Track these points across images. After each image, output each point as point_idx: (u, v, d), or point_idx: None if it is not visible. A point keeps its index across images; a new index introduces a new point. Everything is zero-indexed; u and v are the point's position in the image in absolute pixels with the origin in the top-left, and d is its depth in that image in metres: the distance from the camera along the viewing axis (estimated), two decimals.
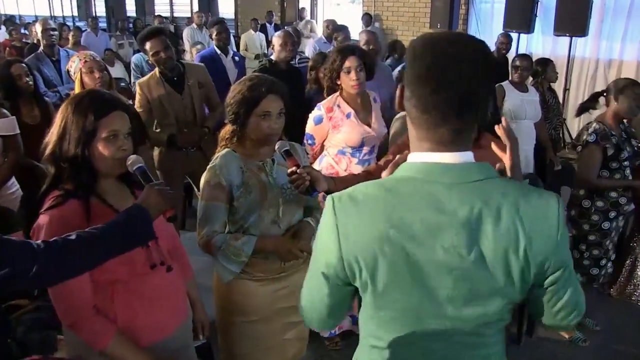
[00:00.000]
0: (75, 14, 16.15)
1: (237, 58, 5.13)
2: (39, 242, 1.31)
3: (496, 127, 1.30)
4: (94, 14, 14.05)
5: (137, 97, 3.43)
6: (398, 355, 1.12)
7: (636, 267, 3.43)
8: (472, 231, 1.00)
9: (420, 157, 1.06)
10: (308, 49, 6.67)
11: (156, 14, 12.77)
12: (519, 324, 3.15)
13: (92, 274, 1.52)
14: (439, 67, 0.99)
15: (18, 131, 3.15)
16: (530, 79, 4.67)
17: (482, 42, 1.05)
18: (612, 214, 3.13)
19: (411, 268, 1.02)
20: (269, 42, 8.91)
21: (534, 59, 4.74)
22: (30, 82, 3.50)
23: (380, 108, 3.07)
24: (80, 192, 1.55)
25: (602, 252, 3.22)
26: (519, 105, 4.17)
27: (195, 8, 13.14)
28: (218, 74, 4.57)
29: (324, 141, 2.92)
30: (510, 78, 4.38)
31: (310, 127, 2.90)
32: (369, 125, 2.88)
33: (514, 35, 6.55)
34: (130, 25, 11.55)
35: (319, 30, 9.99)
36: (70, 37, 7.18)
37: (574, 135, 6.68)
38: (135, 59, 6.01)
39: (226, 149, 2.03)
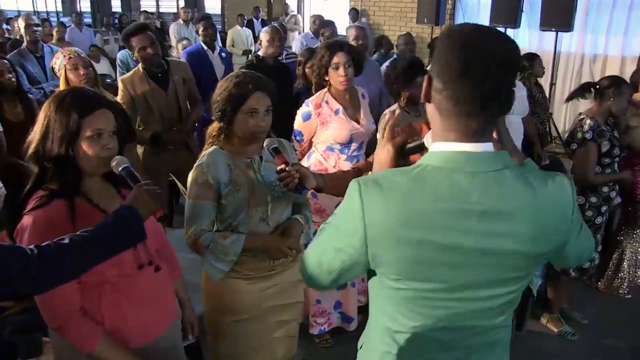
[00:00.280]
0: (59, 9, 15.96)
1: (223, 54, 5.09)
2: (32, 247, 1.28)
3: None
4: (78, 10, 13.85)
5: (120, 93, 3.36)
6: (412, 337, 1.15)
7: (623, 260, 3.47)
8: (494, 217, 1.04)
9: (445, 146, 1.08)
10: (295, 44, 6.64)
11: (142, 9, 12.66)
12: None
13: None
14: (475, 61, 1.02)
15: (1, 129, 3.09)
16: (517, 74, 4.68)
17: (509, 37, 1.09)
18: (604, 208, 3.16)
19: (433, 253, 1.05)
20: (255, 38, 8.88)
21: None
22: (13, 79, 3.43)
23: (369, 104, 3.06)
24: (65, 192, 1.52)
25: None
26: None
27: (182, 4, 13.06)
28: (205, 70, 4.53)
29: (312, 137, 2.90)
30: None
31: (298, 123, 2.88)
32: (358, 122, 2.87)
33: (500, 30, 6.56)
34: (116, 21, 11.43)
35: (305, 25, 9.98)
36: (54, 33, 7.08)
37: (560, 130, 6.77)
38: (121, 55, 5.92)
39: (213, 147, 2.01)
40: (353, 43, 3.70)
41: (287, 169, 1.88)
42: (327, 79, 2.83)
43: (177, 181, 3.68)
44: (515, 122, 4.22)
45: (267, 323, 2.11)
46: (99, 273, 1.51)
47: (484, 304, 1.11)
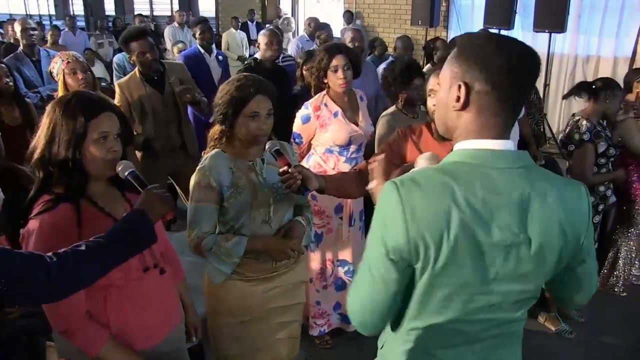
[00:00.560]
0: (52, 12, 15.88)
1: (220, 57, 5.09)
2: (51, 255, 1.30)
3: None
4: (71, 13, 13.81)
5: (117, 97, 3.35)
6: (438, 331, 1.18)
7: (618, 259, 3.51)
8: (523, 212, 1.09)
9: (472, 144, 1.13)
10: (291, 47, 6.65)
11: (136, 12, 12.63)
12: None
13: None
14: (519, 63, 1.09)
15: None
16: None
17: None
18: (600, 207, 3.19)
19: (470, 246, 1.08)
20: (250, 41, 8.89)
21: None
22: (10, 83, 3.43)
23: (367, 106, 3.08)
24: (71, 196, 1.53)
25: None
26: None
27: (176, 7, 13.06)
28: (202, 73, 4.53)
29: (311, 140, 2.92)
30: None
31: (297, 125, 2.89)
32: (356, 124, 2.89)
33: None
34: (110, 24, 11.40)
35: (297, 26, 9.99)
36: (48, 37, 7.06)
37: (555, 130, 6.81)
38: (117, 58, 5.91)
39: (215, 150, 2.02)
40: (349, 45, 3.72)
41: (289, 170, 1.90)
42: (326, 81, 2.84)
43: (175, 184, 3.68)
44: None
45: (269, 324, 2.13)
46: (105, 277, 1.51)
47: (511, 297, 1.16)
